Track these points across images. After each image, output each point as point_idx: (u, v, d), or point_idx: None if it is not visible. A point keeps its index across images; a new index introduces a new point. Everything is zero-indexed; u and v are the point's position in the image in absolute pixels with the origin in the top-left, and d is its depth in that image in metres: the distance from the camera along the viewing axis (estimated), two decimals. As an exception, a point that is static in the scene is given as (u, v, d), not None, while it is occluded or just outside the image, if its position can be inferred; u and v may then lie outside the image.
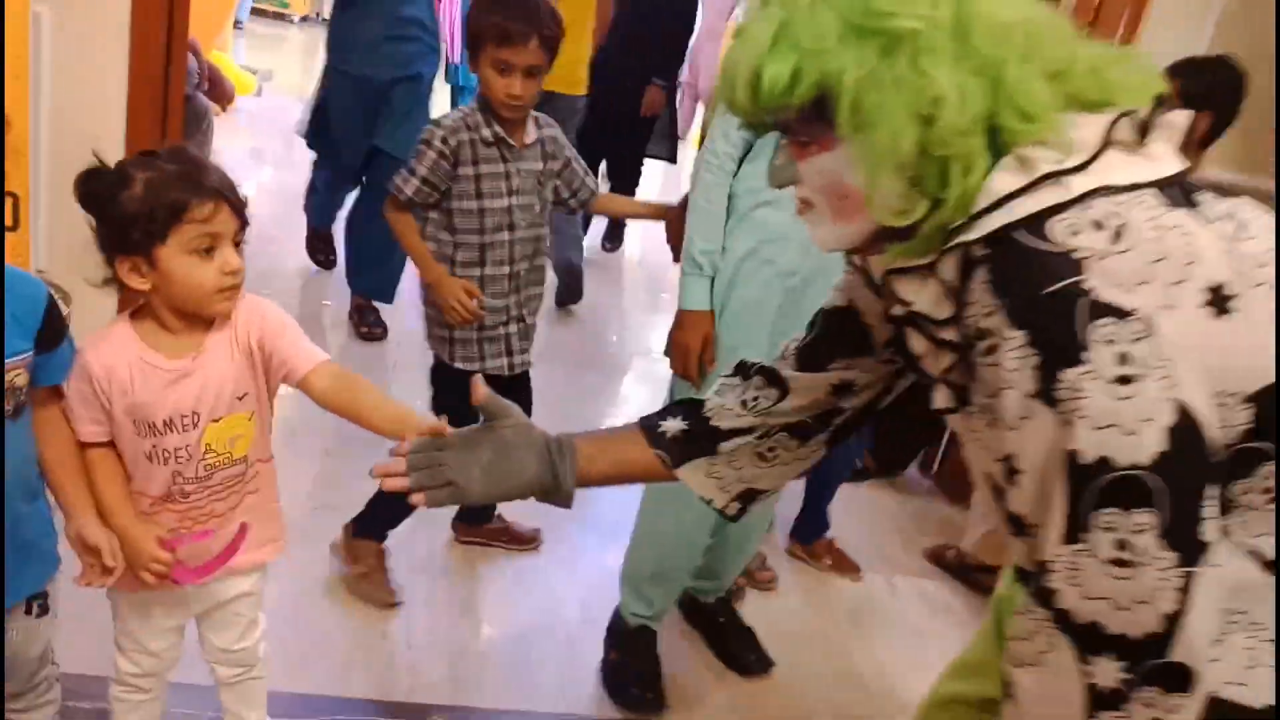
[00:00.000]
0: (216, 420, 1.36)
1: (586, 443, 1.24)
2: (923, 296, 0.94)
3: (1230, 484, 0.84)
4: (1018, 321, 0.81)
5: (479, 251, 2.11)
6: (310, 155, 3.85)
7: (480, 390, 1.19)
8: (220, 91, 4.30)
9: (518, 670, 2.11)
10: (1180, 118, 0.88)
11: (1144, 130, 0.86)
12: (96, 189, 1.26)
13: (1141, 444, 0.77)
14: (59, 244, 2.31)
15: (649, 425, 1.27)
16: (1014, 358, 0.81)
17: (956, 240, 0.88)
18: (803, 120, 0.91)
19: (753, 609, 2.41)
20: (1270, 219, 0.86)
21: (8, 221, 1.88)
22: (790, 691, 2.20)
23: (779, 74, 0.87)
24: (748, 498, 1.26)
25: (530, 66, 1.97)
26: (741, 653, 2.27)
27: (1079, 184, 0.83)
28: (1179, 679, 0.82)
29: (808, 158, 0.93)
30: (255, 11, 9.20)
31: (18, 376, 1.24)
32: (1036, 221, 0.83)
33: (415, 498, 1.16)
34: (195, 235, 1.27)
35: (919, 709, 1.44)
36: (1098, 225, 0.81)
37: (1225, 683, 0.85)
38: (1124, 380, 0.77)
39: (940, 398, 0.99)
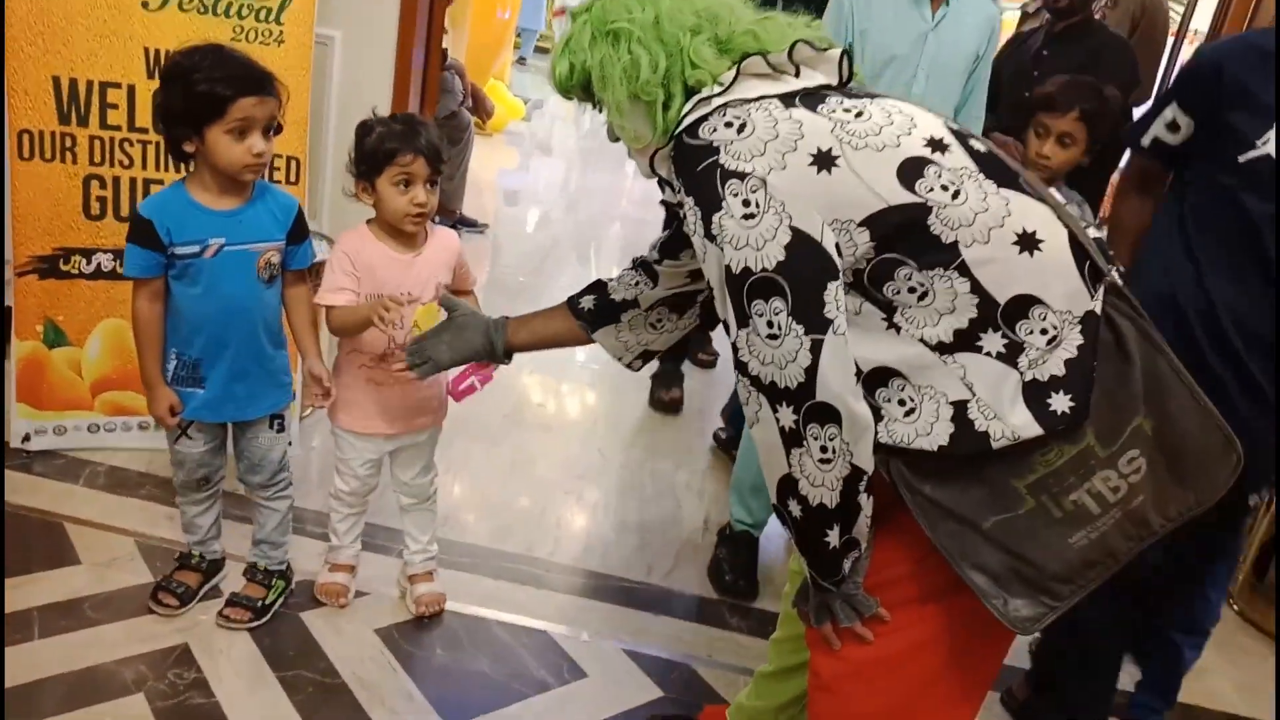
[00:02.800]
0: (424, 304, 1.95)
1: (518, 320, 1.77)
2: (666, 193, 1.36)
3: (881, 288, 1.21)
4: (687, 191, 1.23)
5: None
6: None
7: (440, 293, 1.84)
8: (481, 109, 5.13)
9: (657, 554, 2.61)
10: (833, 54, 1.30)
11: (795, 66, 1.27)
12: (357, 134, 1.95)
13: (765, 255, 1.16)
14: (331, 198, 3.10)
15: (572, 302, 1.73)
16: (691, 214, 1.23)
17: (662, 150, 1.32)
18: (584, 98, 1.39)
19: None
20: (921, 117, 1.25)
21: (290, 178, 2.59)
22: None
23: (562, 69, 1.36)
24: (646, 356, 1.74)
25: None
26: None
27: (716, 100, 1.25)
28: (828, 413, 1.17)
29: (604, 114, 1.38)
30: (539, 49, 10.35)
31: (273, 256, 1.94)
32: (693, 127, 1.24)
33: (411, 374, 1.80)
34: (397, 173, 1.90)
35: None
36: (728, 125, 1.21)
37: (890, 427, 1.21)
38: (748, 216, 1.17)
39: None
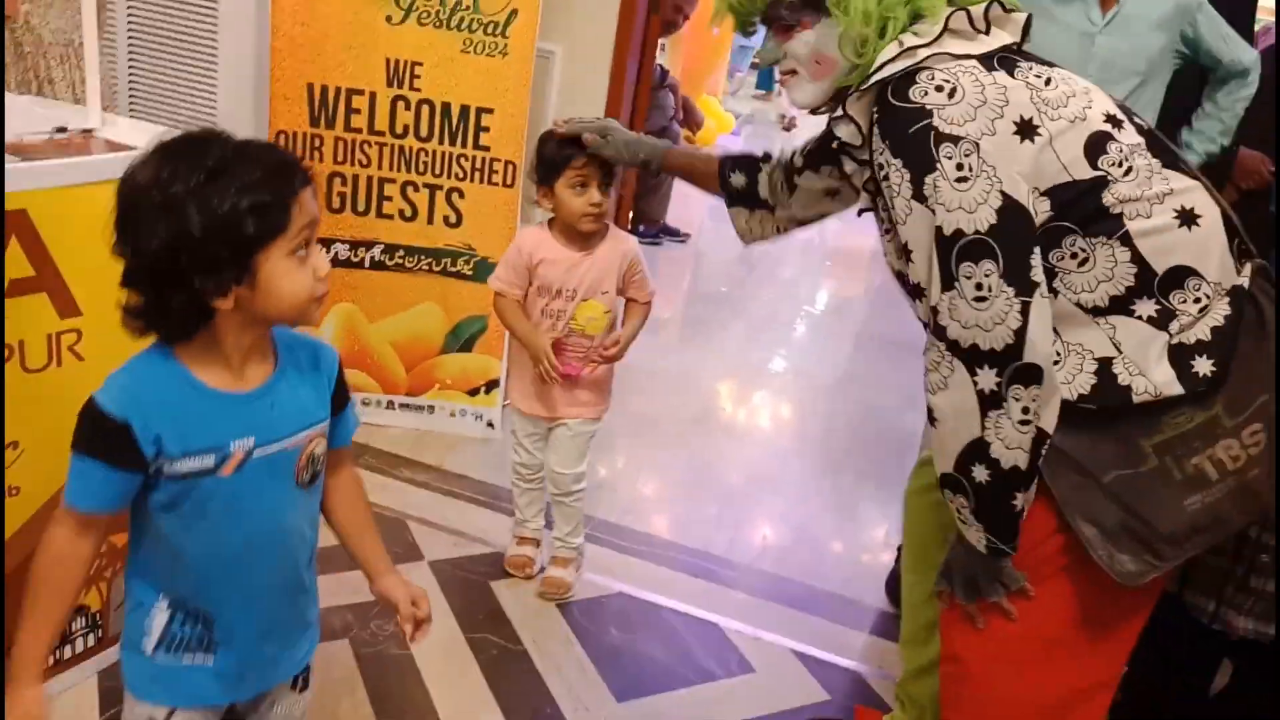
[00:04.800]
0: (585, 300, 2.09)
1: (678, 153, 1.94)
2: (844, 132, 1.36)
3: (1047, 254, 1.22)
4: (896, 152, 1.23)
5: None
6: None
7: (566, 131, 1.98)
8: (691, 121, 5.29)
9: (836, 563, 2.63)
10: (1019, 16, 1.32)
11: (986, 22, 1.28)
12: (538, 144, 2.08)
13: (977, 218, 1.18)
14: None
15: (725, 168, 1.83)
16: (896, 176, 1.23)
17: (855, 91, 1.32)
18: (792, 8, 1.36)
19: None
20: (1071, 77, 1.28)
21: (506, 180, 2.77)
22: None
23: None
24: (763, 239, 1.87)
25: None
26: None
27: (922, 54, 1.25)
28: (1033, 375, 1.18)
29: (793, 37, 1.37)
30: (754, 65, 10.45)
31: (319, 445, 1.22)
32: (903, 86, 1.24)
33: (587, 138, 1.93)
34: (573, 177, 2.02)
35: (906, 494, 1.83)
36: (939, 88, 1.22)
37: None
38: (961, 180, 1.18)
39: (864, 200, 1.44)
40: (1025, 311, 1.18)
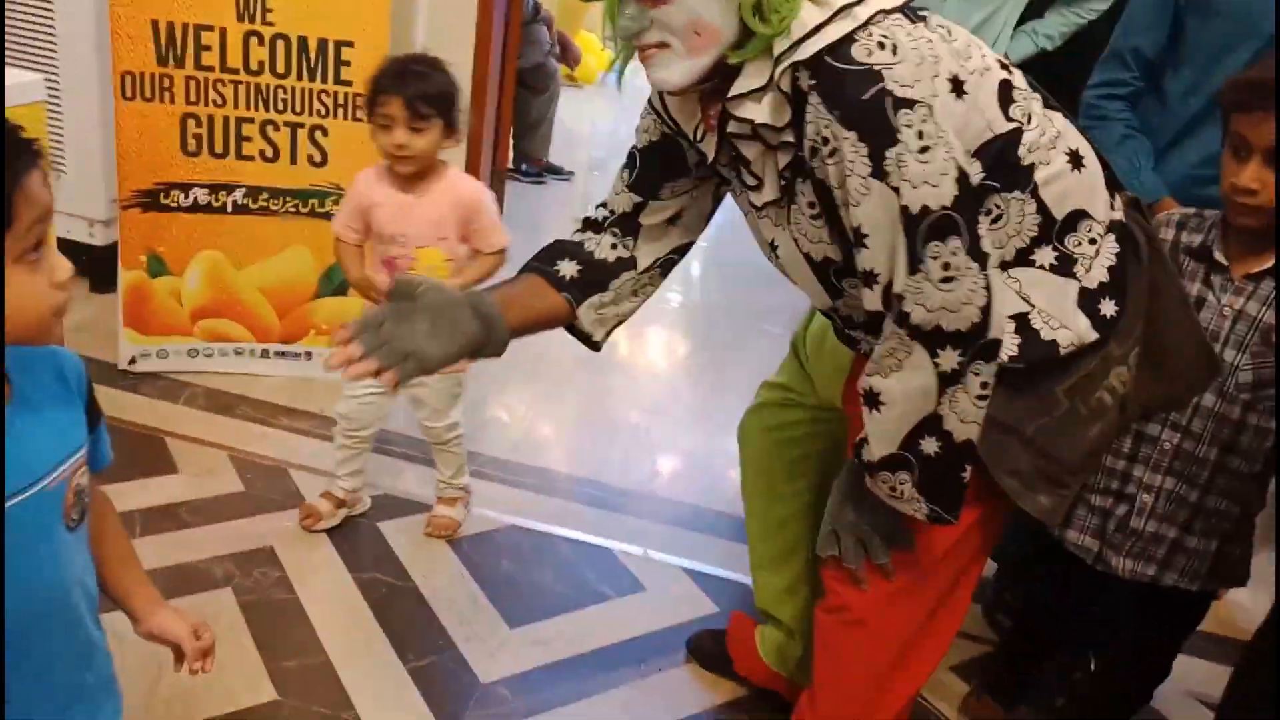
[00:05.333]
0: (421, 247, 2.00)
1: (497, 296, 1.32)
2: (762, 111, 1.16)
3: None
4: (848, 124, 1.07)
5: None
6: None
7: (382, 281, 1.48)
8: (568, 56, 5.21)
9: (718, 480, 2.67)
10: None
11: None
12: None
13: (943, 192, 1.07)
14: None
15: (547, 273, 1.39)
16: (850, 151, 1.08)
17: (787, 62, 1.12)
18: None
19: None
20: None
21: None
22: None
23: None
24: (614, 329, 1.47)
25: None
26: None
27: (862, 12, 1.10)
28: (994, 350, 1.14)
29: (663, 4, 1.13)
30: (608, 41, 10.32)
31: (83, 476, 0.98)
32: (842, 47, 1.08)
33: (386, 378, 1.18)
34: (380, 117, 1.93)
35: (742, 418, 1.84)
36: (880, 45, 1.08)
37: None
38: (924, 150, 1.06)
39: (768, 192, 1.25)
40: (989, 286, 1.11)
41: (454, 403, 2.21)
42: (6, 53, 2.90)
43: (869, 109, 1.06)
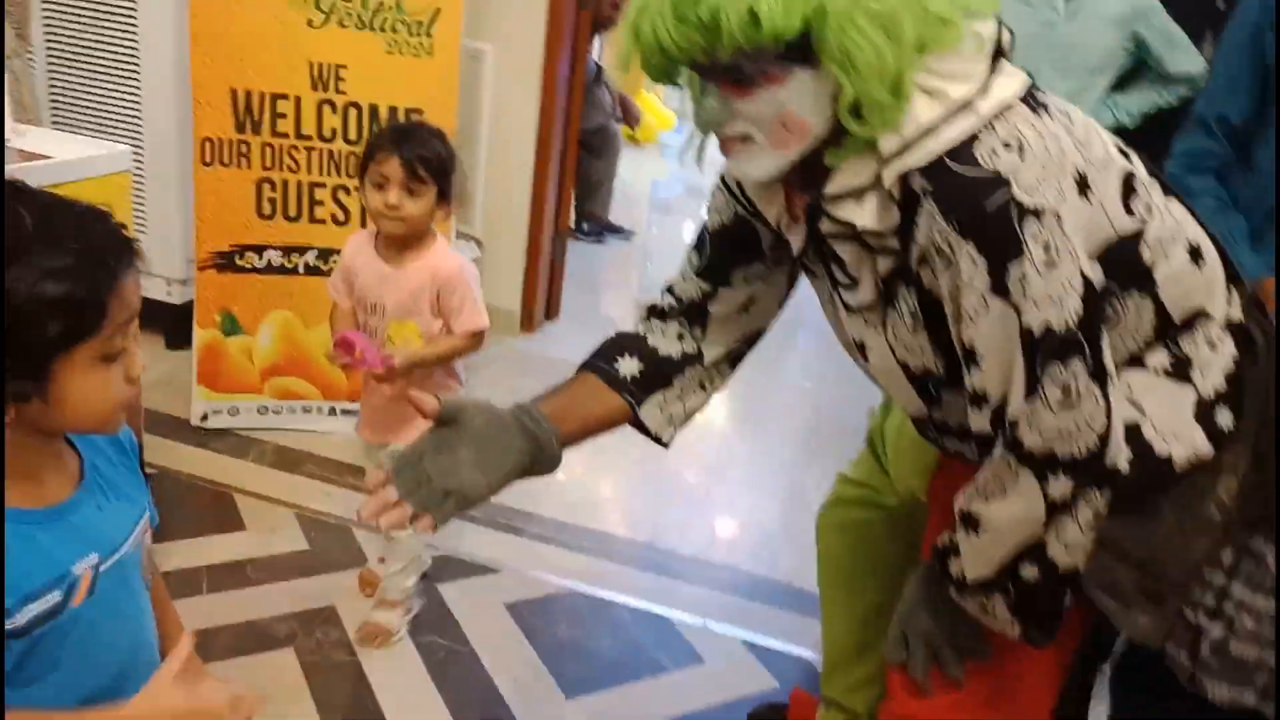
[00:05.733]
0: (397, 319, 1.94)
1: (551, 405, 1.24)
2: (865, 214, 1.05)
3: None
4: (968, 234, 0.97)
5: None
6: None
7: (428, 404, 1.15)
8: (629, 116, 5.28)
9: (782, 551, 2.64)
10: (1007, 34, 1.05)
11: (998, 49, 1.03)
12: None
13: (1067, 309, 0.97)
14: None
15: (604, 371, 1.31)
16: (968, 263, 0.98)
17: (899, 166, 1.01)
18: (761, 57, 0.99)
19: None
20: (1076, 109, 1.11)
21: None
22: None
23: (773, 6, 0.95)
24: (693, 413, 1.39)
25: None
26: None
27: (985, 108, 0.99)
28: (1111, 477, 1.04)
29: (753, 94, 1.02)
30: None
31: (148, 536, 1.02)
32: (964, 148, 0.98)
33: (422, 524, 1.10)
34: (375, 173, 1.86)
35: (818, 514, 1.77)
36: (1006, 146, 0.98)
37: None
38: (1049, 264, 0.96)
39: (864, 294, 1.12)
40: (1110, 412, 1.01)
41: None
42: (96, 123, 3.04)
43: (993, 219, 0.97)
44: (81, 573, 0.90)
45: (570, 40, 3.50)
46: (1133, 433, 1.06)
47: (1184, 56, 2.43)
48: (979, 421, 1.07)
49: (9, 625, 0.85)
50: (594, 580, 2.39)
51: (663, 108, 7.75)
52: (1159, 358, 1.10)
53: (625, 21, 1.03)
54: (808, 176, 1.10)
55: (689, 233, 1.74)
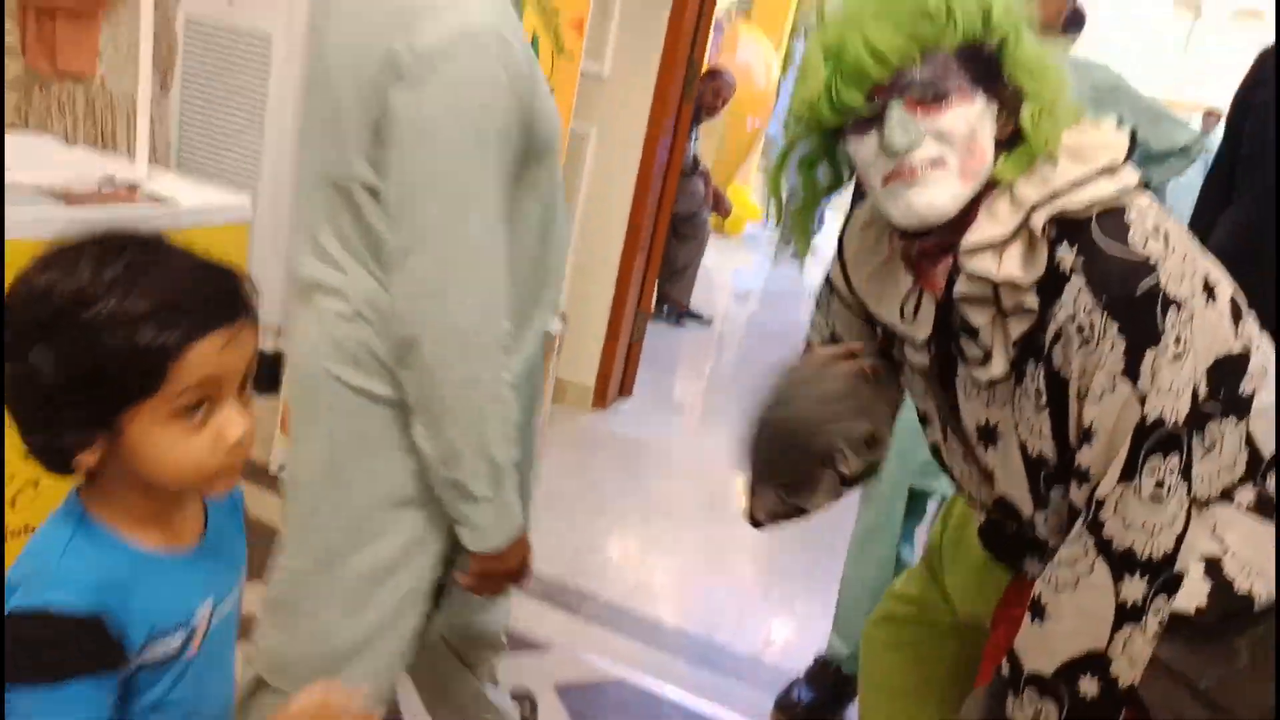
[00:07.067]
0: None
1: None
2: (1009, 264, 1.05)
3: None
4: (1114, 315, 0.99)
5: None
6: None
7: None
8: (720, 206, 5.36)
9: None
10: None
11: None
12: None
13: (1180, 405, 0.99)
14: (570, 280, 3.33)
15: None
16: (1108, 344, 1.00)
17: (1047, 209, 1.03)
18: (946, 70, 1.01)
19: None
20: None
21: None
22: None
23: (969, 4, 0.99)
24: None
25: None
26: None
27: (1125, 177, 1.03)
28: (1176, 585, 1.04)
29: (944, 112, 1.01)
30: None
31: (245, 591, 1.02)
32: (1115, 219, 1.01)
33: None
34: None
35: (864, 631, 1.68)
36: (1155, 232, 1.01)
37: None
38: (1177, 358, 0.98)
39: (996, 367, 1.10)
40: (1189, 514, 1.02)
41: None
42: (219, 170, 3.18)
43: (1140, 304, 0.99)
44: (199, 621, 0.91)
45: (672, 128, 3.59)
46: (1213, 566, 1.06)
47: (1169, 129, 2.28)
48: (1077, 497, 1.07)
49: (157, 649, 0.86)
50: (645, 668, 2.35)
51: (752, 200, 7.84)
52: (1246, 494, 1.08)
53: (812, 45, 1.04)
54: (943, 242, 1.10)
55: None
